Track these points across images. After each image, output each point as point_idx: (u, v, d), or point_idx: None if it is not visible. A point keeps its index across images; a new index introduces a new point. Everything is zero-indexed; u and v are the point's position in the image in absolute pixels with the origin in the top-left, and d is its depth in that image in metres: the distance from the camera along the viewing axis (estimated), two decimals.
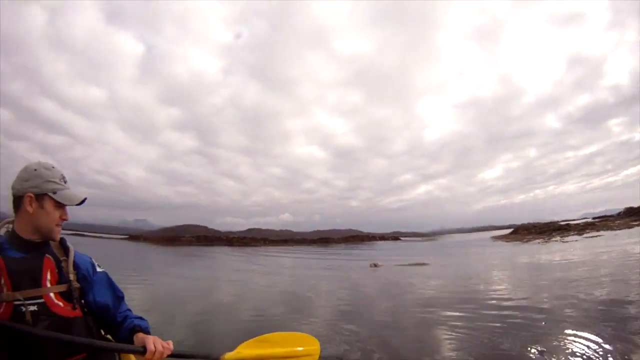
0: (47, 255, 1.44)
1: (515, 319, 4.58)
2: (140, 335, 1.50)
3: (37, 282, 1.37)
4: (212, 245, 48.20)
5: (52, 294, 1.39)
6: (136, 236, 70.30)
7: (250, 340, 2.28)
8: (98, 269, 1.61)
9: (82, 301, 1.52)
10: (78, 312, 1.45)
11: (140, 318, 1.63)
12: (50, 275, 1.42)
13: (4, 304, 1.32)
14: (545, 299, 5.75)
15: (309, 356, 2.61)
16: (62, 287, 1.43)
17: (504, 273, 9.78)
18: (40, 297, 1.36)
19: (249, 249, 37.15)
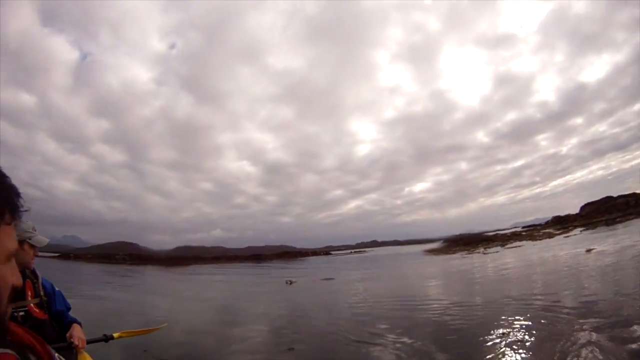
0: (27, 279, 2.46)
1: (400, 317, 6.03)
2: (70, 330, 2.27)
3: (23, 297, 2.15)
4: (144, 264, 45.18)
5: (32, 304, 2.33)
6: (67, 254, 63.40)
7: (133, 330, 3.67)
8: (56, 289, 2.72)
9: (48, 310, 2.64)
10: (46, 317, 2.51)
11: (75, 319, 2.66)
12: (30, 292, 2.26)
13: None
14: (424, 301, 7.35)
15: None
16: (37, 300, 2.31)
17: (404, 284, 11.72)
18: (25, 306, 2.20)
19: (178, 269, 35.85)
